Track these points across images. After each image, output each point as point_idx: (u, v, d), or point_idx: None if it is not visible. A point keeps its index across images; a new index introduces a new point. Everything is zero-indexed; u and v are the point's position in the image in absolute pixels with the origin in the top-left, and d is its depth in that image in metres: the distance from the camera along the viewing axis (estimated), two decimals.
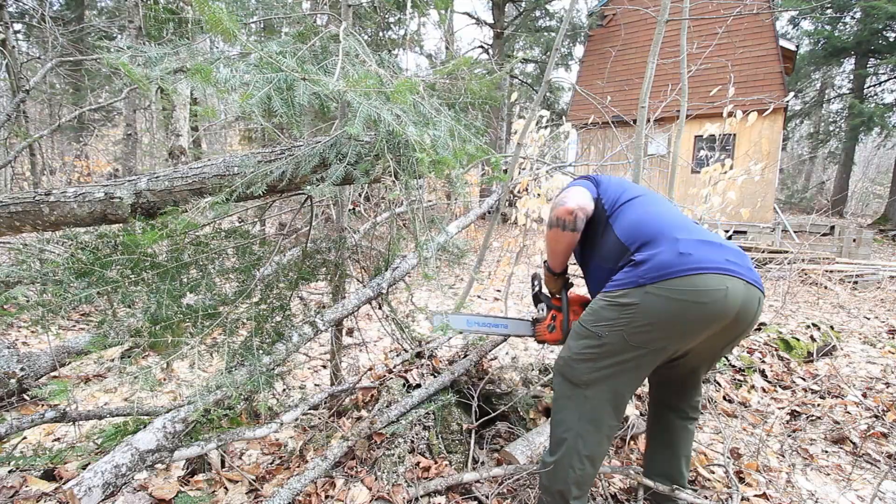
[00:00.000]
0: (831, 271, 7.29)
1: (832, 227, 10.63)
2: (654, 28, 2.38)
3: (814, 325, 3.79)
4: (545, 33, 15.70)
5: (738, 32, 9.98)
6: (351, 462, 1.67)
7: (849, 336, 4.19)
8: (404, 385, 1.98)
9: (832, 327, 3.95)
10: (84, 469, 1.41)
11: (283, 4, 2.21)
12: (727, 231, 9.19)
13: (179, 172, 1.63)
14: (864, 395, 2.71)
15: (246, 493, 1.67)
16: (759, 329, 3.59)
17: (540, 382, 2.24)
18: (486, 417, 1.95)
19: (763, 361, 3.10)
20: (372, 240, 2.45)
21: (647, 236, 1.30)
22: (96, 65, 7.20)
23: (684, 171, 9.50)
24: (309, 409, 1.82)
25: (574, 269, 1.69)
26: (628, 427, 2.06)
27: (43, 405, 2.40)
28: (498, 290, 5.97)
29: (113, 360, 2.94)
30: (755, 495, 1.78)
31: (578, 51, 15.43)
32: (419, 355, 2.18)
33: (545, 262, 1.63)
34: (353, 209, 3.75)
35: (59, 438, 2.17)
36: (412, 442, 1.73)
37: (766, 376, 2.98)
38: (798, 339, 3.41)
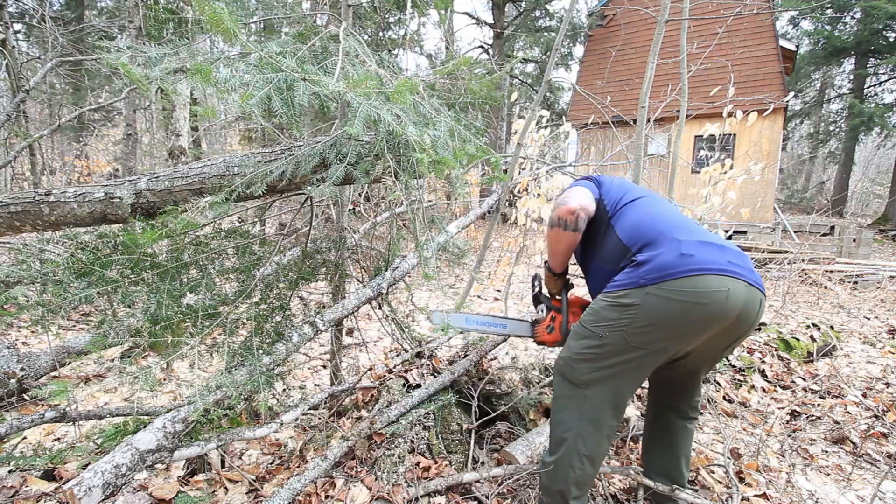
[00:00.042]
0: (831, 271, 7.29)
1: (832, 227, 10.63)
2: (654, 28, 2.38)
3: (814, 325, 3.79)
4: (545, 33, 15.69)
5: (738, 32, 9.98)
6: (351, 462, 1.67)
7: (849, 336, 4.19)
8: (404, 385, 1.98)
9: (832, 327, 3.95)
10: (84, 469, 1.41)
11: (283, 4, 2.21)
12: (727, 231, 9.19)
13: (179, 172, 1.63)
14: (864, 395, 2.71)
15: (246, 493, 1.67)
16: (759, 329, 3.60)
17: (541, 384, 2.24)
18: (485, 417, 1.95)
19: (763, 361, 3.10)
20: (372, 240, 2.45)
21: (648, 237, 1.30)
22: (96, 65, 7.20)
23: (684, 171, 9.50)
24: (309, 409, 1.82)
25: (574, 270, 1.69)
26: (629, 427, 2.06)
27: (43, 405, 2.40)
28: (498, 290, 5.97)
29: (113, 360, 2.94)
30: (755, 495, 1.78)
31: (578, 51, 15.43)
32: (419, 355, 2.18)
33: (546, 262, 1.62)
34: (353, 209, 3.75)
35: (59, 438, 2.17)
36: (412, 442, 1.73)
37: (766, 376, 2.98)
38: (798, 339, 3.41)
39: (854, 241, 8.91)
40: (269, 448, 2.05)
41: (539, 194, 3.61)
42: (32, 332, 3.39)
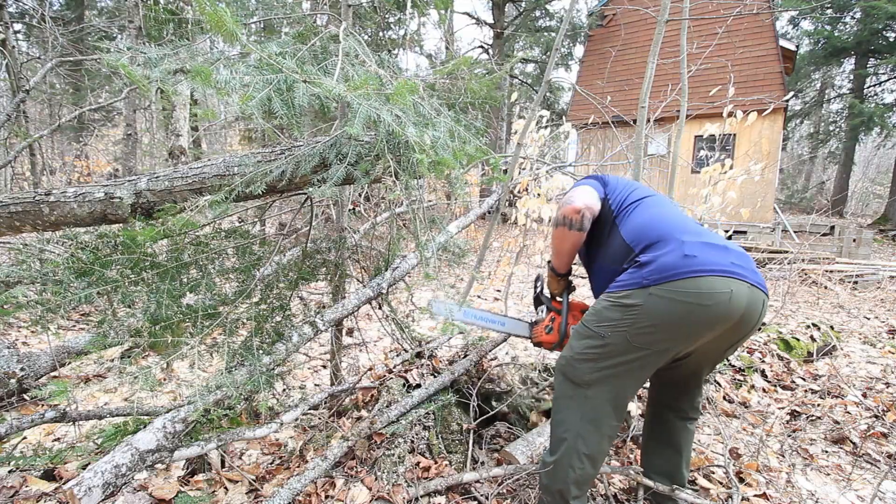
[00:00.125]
0: (831, 271, 7.29)
1: (832, 227, 10.63)
2: (654, 28, 2.38)
3: (814, 325, 3.79)
4: (545, 33, 15.69)
5: (738, 32, 9.98)
6: (351, 462, 1.67)
7: (849, 336, 4.19)
8: (404, 385, 1.98)
9: (832, 327, 3.95)
10: (84, 469, 1.41)
11: (283, 4, 2.21)
12: (727, 231, 9.19)
13: (179, 172, 1.63)
14: (864, 395, 2.71)
15: (246, 493, 1.67)
16: (760, 329, 3.60)
17: (542, 385, 2.24)
18: (485, 417, 1.95)
19: (763, 361, 3.10)
20: (372, 240, 2.45)
21: (652, 238, 1.30)
22: (96, 65, 7.20)
23: (684, 171, 9.50)
24: (309, 409, 1.82)
25: (576, 271, 1.69)
26: (629, 427, 2.06)
27: (43, 405, 2.40)
28: (498, 290, 5.97)
29: (113, 360, 2.94)
30: (755, 495, 1.78)
31: (578, 51, 15.43)
32: (419, 355, 2.18)
33: (549, 262, 1.62)
34: (353, 209, 3.75)
35: (59, 438, 2.17)
36: (412, 442, 1.73)
37: (766, 376, 2.98)
38: (798, 339, 3.41)
39: (854, 241, 8.91)
40: (269, 448, 2.05)
41: (539, 194, 3.61)
42: (32, 332, 3.39)
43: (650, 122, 3.45)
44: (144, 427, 1.40)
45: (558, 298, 1.69)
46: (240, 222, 2.64)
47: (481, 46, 16.31)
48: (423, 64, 15.94)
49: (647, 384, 1.61)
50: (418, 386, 1.96)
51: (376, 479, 1.57)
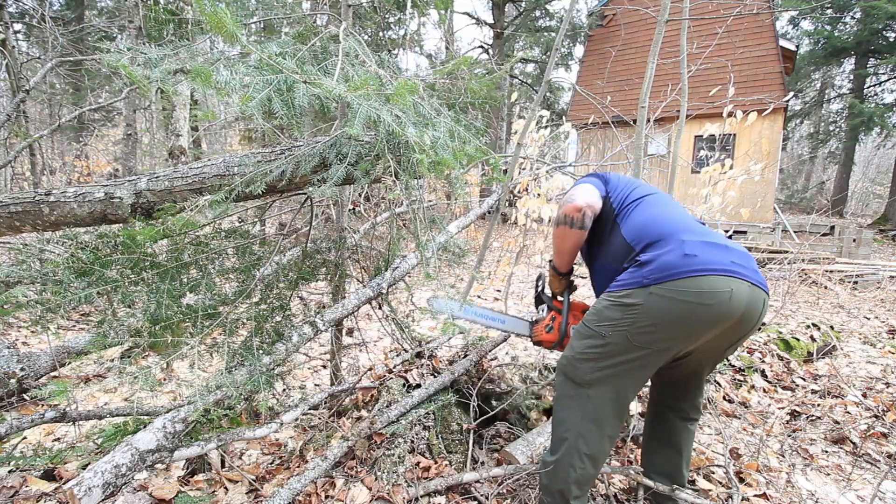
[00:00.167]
0: (831, 271, 7.29)
1: (832, 227, 10.63)
2: (654, 28, 2.38)
3: (814, 325, 3.79)
4: (545, 33, 15.69)
5: (738, 32, 9.98)
6: (351, 462, 1.67)
7: (849, 336, 4.19)
8: (404, 385, 1.98)
9: (832, 327, 3.95)
10: (84, 469, 1.41)
11: (283, 4, 2.21)
12: (727, 231, 9.18)
13: (179, 172, 1.63)
14: (864, 395, 2.71)
15: (246, 493, 1.67)
16: (760, 329, 3.60)
17: (543, 382, 2.24)
18: (485, 417, 1.95)
19: (763, 361, 3.10)
20: (372, 240, 2.46)
21: (652, 237, 1.30)
22: (96, 65, 7.20)
23: (684, 171, 9.50)
24: (309, 409, 1.82)
25: (576, 270, 1.69)
26: (629, 427, 2.06)
27: (43, 405, 2.41)
28: (498, 290, 5.97)
29: (113, 360, 2.94)
30: (755, 495, 1.78)
31: (578, 51, 15.43)
32: (419, 355, 2.18)
33: (550, 260, 1.62)
34: (353, 209, 3.75)
35: (59, 438, 2.17)
36: (412, 442, 1.73)
37: (766, 376, 2.98)
38: (798, 339, 3.41)
39: (854, 241, 8.91)
40: (269, 448, 2.05)
41: (539, 194, 3.61)
42: (32, 332, 3.39)
43: (650, 122, 3.45)
44: (144, 427, 1.40)
45: (559, 298, 1.69)
46: (240, 222, 2.64)
47: (481, 46, 16.31)
48: (423, 64, 15.95)
49: (649, 384, 1.61)
50: (418, 386, 1.96)
51: (376, 479, 1.57)
